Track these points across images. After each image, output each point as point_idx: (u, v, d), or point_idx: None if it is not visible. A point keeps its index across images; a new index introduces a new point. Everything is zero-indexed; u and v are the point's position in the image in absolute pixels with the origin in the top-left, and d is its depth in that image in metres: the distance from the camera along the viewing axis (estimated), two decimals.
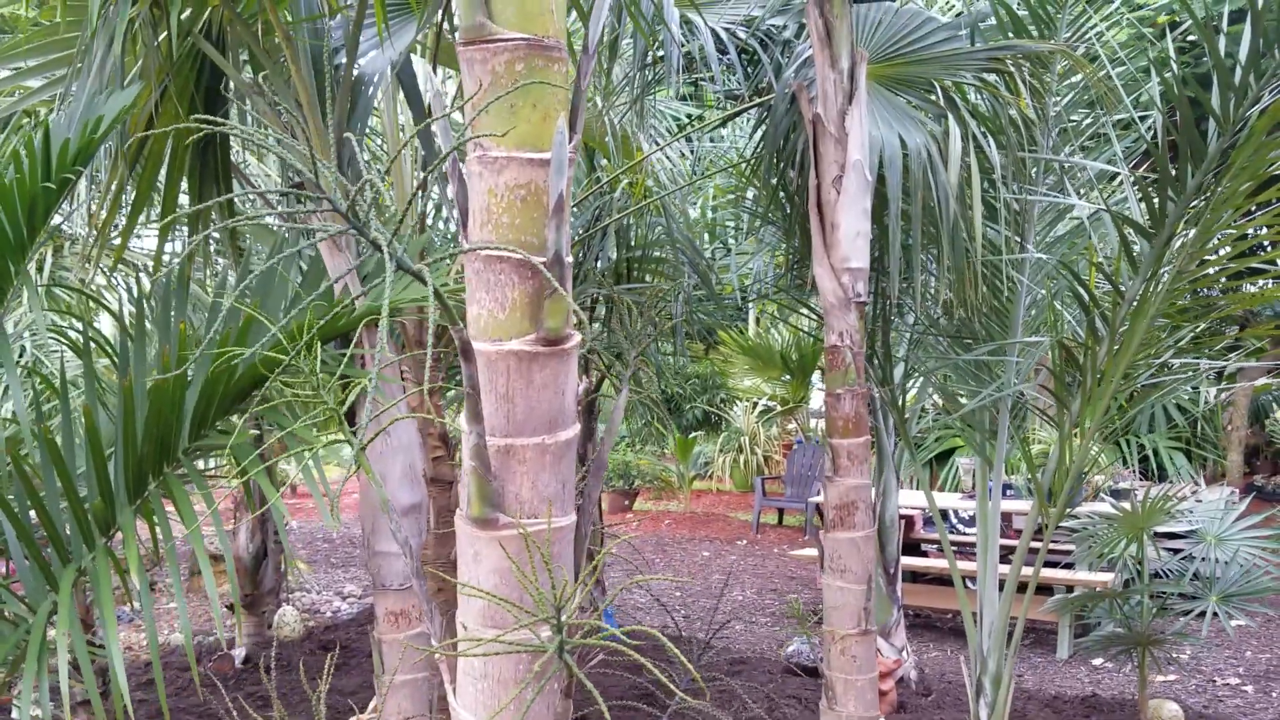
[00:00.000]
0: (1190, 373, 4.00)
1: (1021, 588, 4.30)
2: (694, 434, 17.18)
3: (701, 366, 16.59)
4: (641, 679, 4.97)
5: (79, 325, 2.65)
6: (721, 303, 7.17)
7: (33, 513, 2.39)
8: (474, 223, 1.39)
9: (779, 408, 16.63)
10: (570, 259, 1.40)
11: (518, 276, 1.38)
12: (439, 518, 3.52)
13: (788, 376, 16.43)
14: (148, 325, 2.69)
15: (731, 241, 6.84)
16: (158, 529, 2.53)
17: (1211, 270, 3.46)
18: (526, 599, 1.38)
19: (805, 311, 5.15)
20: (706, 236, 6.81)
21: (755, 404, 16.54)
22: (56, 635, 2.25)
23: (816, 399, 17.87)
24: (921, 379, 4.98)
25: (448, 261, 2.65)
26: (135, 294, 2.67)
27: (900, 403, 4.20)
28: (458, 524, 1.44)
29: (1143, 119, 3.68)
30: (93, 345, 2.55)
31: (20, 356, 3.08)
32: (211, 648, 7.22)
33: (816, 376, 16.62)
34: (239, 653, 6.90)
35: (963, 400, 4.25)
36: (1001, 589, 4.39)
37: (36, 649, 2.27)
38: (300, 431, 2.56)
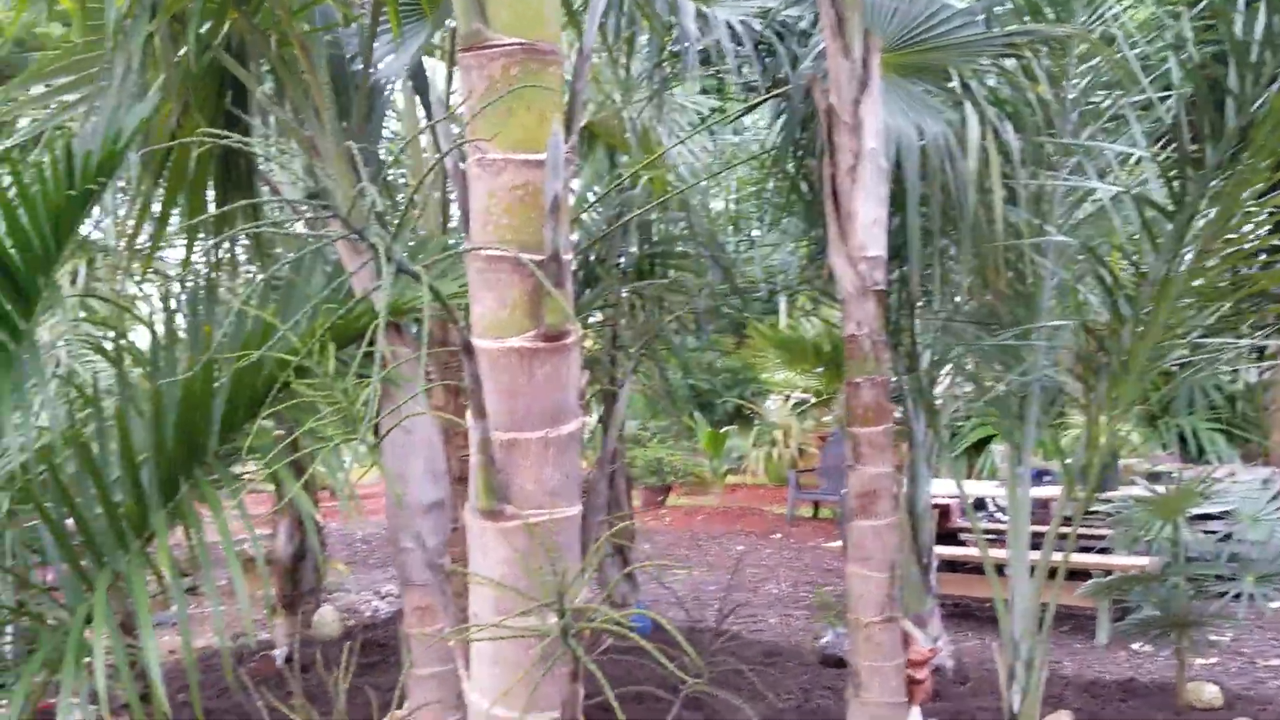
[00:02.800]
0: (1219, 353, 3.96)
1: (1054, 573, 4.29)
2: (726, 428, 17.16)
3: (732, 360, 16.55)
4: (665, 666, 5.01)
5: (111, 334, 2.72)
6: (749, 296, 7.17)
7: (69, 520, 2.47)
8: (475, 224, 1.43)
9: (812, 400, 16.58)
10: (569, 257, 1.44)
11: (517, 275, 1.42)
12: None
13: (820, 368, 16.35)
14: (178, 332, 2.76)
15: (756, 233, 6.85)
16: (191, 532, 2.60)
17: (1231, 249, 3.43)
18: (535, 587, 1.42)
19: (835, 304, 5.15)
20: (730, 230, 6.82)
21: (788, 397, 16.49)
22: (94, 636, 2.32)
23: None
24: (950, 366, 4.96)
25: (464, 266, 2.70)
26: (165, 302, 2.74)
27: (928, 390, 4.20)
28: (466, 516, 1.48)
29: (1162, 99, 3.64)
30: (125, 353, 2.62)
31: (55, 366, 3.16)
32: (254, 649, 7.34)
33: None
34: (279, 653, 7.01)
35: (989, 386, 4.24)
36: (1032, 575, 4.38)
37: (74, 651, 2.34)
38: (321, 429, 2.62)
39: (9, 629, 2.89)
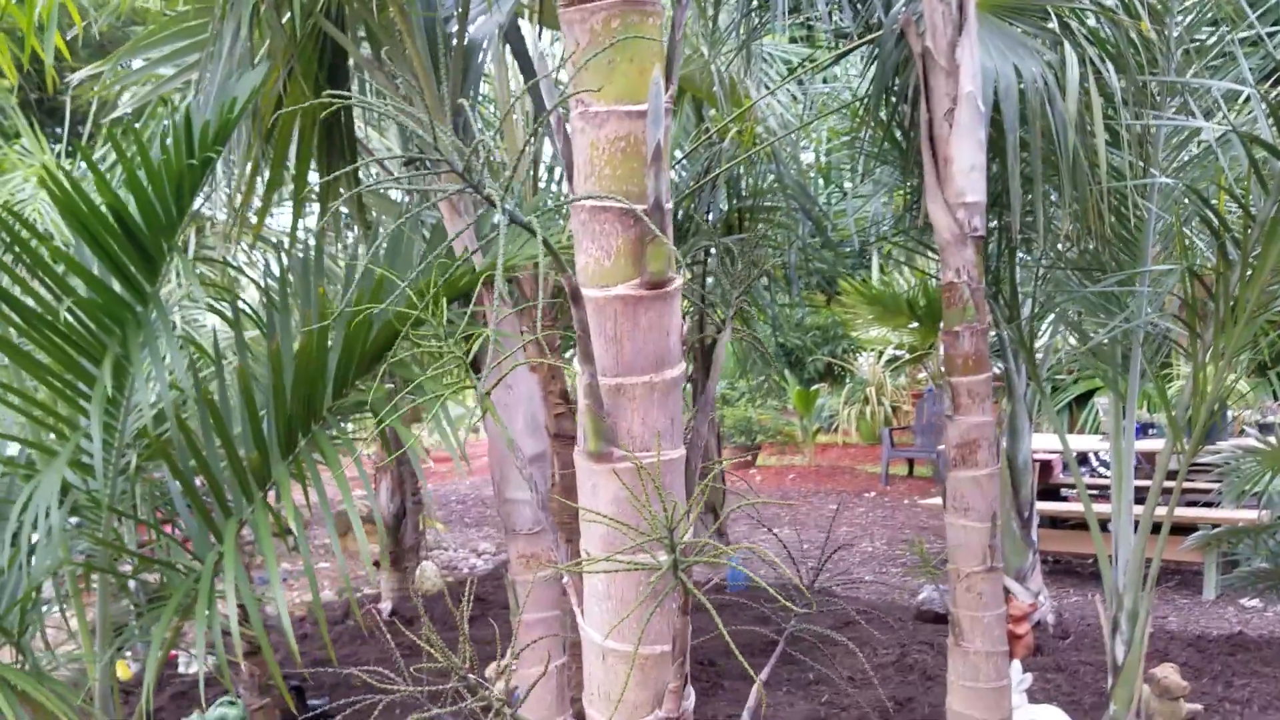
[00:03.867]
0: None
1: (1158, 528, 4.21)
2: (816, 386, 17.02)
3: (822, 317, 16.37)
4: (763, 610, 5.06)
5: (226, 298, 2.85)
6: (840, 250, 7.07)
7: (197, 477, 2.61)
8: (579, 176, 1.47)
9: (906, 356, 16.33)
10: (670, 205, 1.47)
11: (621, 225, 1.45)
12: (564, 469, 3.66)
13: (915, 324, 16.09)
14: (289, 295, 2.87)
15: (848, 185, 6.75)
16: (310, 482, 2.72)
17: None
18: (643, 526, 1.47)
19: (930, 254, 5.07)
20: (821, 182, 6.74)
21: (881, 353, 16.27)
22: (225, 579, 2.45)
23: None
24: (1052, 316, 4.86)
25: (560, 222, 2.75)
26: (276, 267, 2.86)
27: (1029, 340, 4.12)
28: (576, 459, 1.54)
29: (1270, 35, 3.49)
30: (242, 315, 2.75)
31: (176, 329, 3.33)
32: (361, 603, 7.63)
33: None
34: (385, 606, 7.28)
35: (1092, 335, 4.15)
36: (1137, 528, 4.30)
37: (207, 595, 2.48)
38: (428, 383, 2.71)
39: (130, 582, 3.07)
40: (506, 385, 2.69)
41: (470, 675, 1.60)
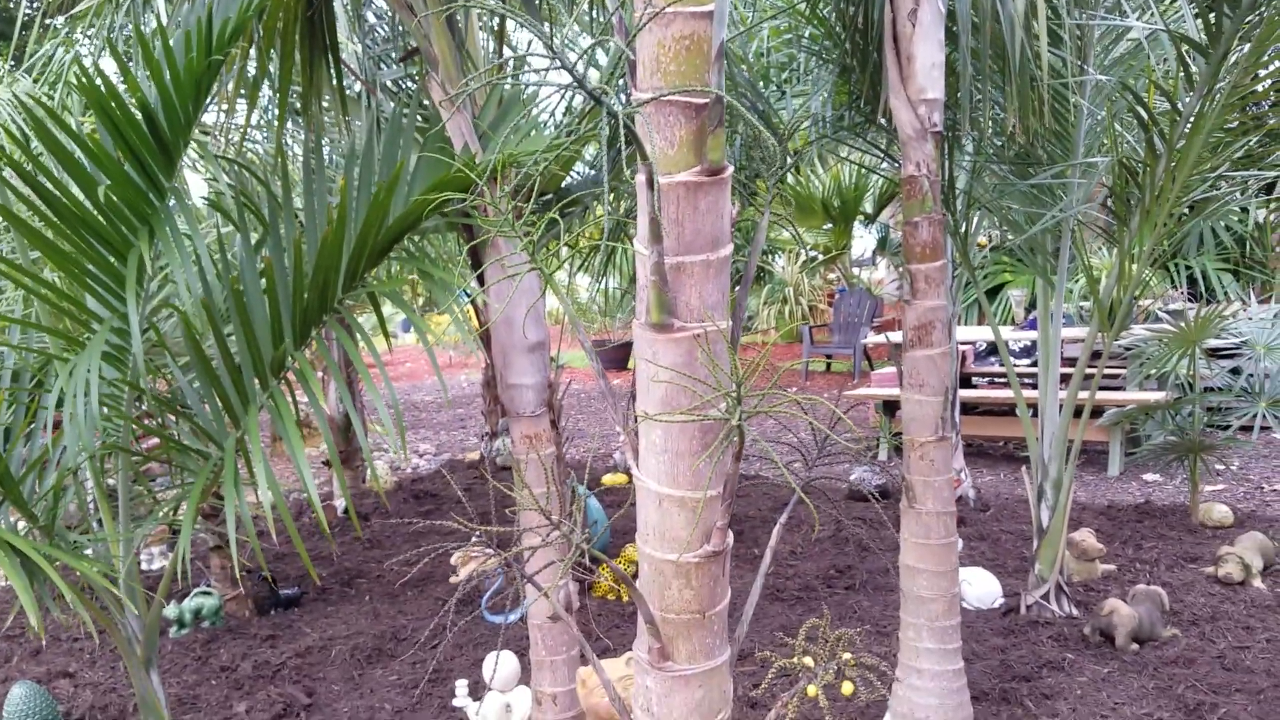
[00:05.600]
0: (1234, 192, 4.16)
1: (1078, 412, 4.60)
2: (736, 288, 17.36)
3: (742, 218, 16.61)
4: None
5: (238, 194, 2.91)
6: (785, 147, 7.23)
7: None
8: (644, 72, 1.62)
9: (821, 256, 16.74)
10: (727, 99, 1.64)
11: (684, 117, 1.62)
12: None
13: (829, 225, 16.49)
14: (294, 189, 2.95)
15: (786, 85, 6.89)
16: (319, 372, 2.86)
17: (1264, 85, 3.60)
18: (697, 391, 1.68)
19: (875, 151, 5.27)
20: (760, 84, 6.86)
21: (798, 254, 16.65)
22: (251, 459, 2.59)
23: (858, 246, 17.92)
24: (980, 211, 5.15)
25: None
26: (281, 161, 2.93)
27: (964, 232, 4.41)
28: (636, 331, 1.72)
29: None
30: (254, 208, 2.83)
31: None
32: (309, 502, 7.77)
33: (858, 224, 16.66)
34: (339, 503, 7.44)
35: (1025, 227, 4.45)
36: (1061, 409, 4.69)
37: (232, 474, 2.63)
38: (437, 272, 2.85)
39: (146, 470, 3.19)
40: (511, 278, 2.85)
41: (487, 530, 1.80)
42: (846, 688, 4.17)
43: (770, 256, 17.19)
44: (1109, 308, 4.31)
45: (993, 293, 12.08)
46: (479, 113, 2.94)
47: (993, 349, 10.10)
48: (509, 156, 2.72)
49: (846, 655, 1.68)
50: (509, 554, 1.78)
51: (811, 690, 3.64)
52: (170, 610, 4.93)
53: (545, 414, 3.04)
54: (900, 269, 7.65)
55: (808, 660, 1.81)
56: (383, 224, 2.64)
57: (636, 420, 1.76)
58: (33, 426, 2.83)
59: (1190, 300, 9.93)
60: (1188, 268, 10.60)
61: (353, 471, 7.66)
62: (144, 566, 5.97)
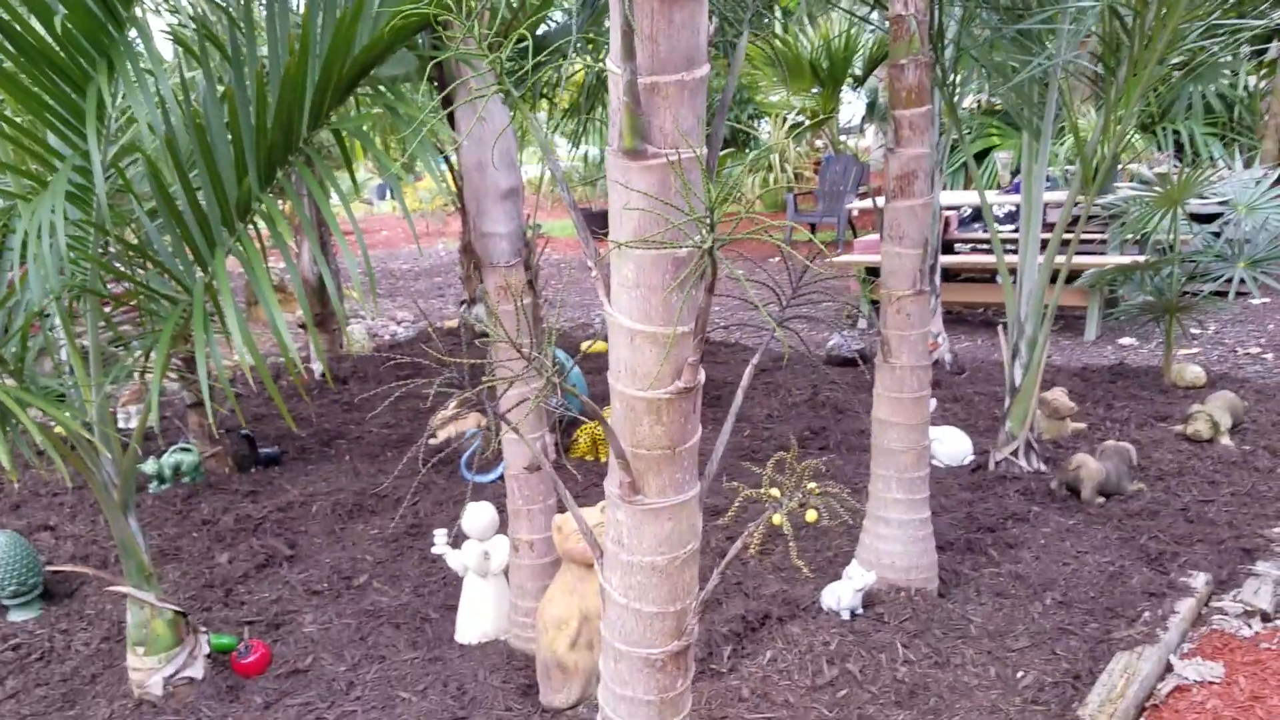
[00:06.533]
0: (1233, 46, 4.05)
1: (1055, 277, 4.57)
2: (721, 153, 17.06)
3: (724, 81, 16.20)
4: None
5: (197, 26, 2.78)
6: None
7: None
8: None
9: (808, 121, 16.42)
10: None
11: None
12: None
13: (817, 88, 16.12)
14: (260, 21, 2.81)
15: None
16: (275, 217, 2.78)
17: None
18: (672, 220, 1.63)
19: (844, 7, 5.10)
20: None
21: (784, 119, 16.33)
22: (221, 305, 2.55)
23: (846, 112, 17.59)
24: (970, 67, 5.02)
25: None
26: None
27: (951, 83, 4.30)
28: (609, 158, 1.67)
29: None
30: (213, 42, 2.71)
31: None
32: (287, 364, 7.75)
33: (847, 88, 16.29)
34: (315, 367, 7.43)
35: (1012, 71, 4.33)
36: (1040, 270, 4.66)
37: (201, 317, 2.59)
38: (409, 109, 2.76)
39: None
40: (482, 117, 2.76)
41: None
42: (810, 515, 4.26)
43: (755, 121, 16.88)
44: (1094, 166, 4.25)
45: (980, 157, 11.94)
46: None
47: (977, 215, 10.04)
48: None
49: (812, 485, 1.68)
50: (488, 402, 1.76)
51: (776, 519, 3.70)
52: (149, 466, 4.95)
53: (519, 265, 3.00)
54: (841, 147, 7.48)
55: (774, 491, 1.82)
56: (349, 54, 2.53)
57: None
58: None
59: (1177, 163, 9.85)
60: (1175, 132, 10.48)
61: (329, 335, 7.63)
62: (121, 424, 5.98)
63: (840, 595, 3.46)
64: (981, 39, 4.21)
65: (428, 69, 2.96)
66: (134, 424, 6.08)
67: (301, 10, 2.66)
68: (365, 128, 2.91)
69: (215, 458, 5.23)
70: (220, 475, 5.18)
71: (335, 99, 2.64)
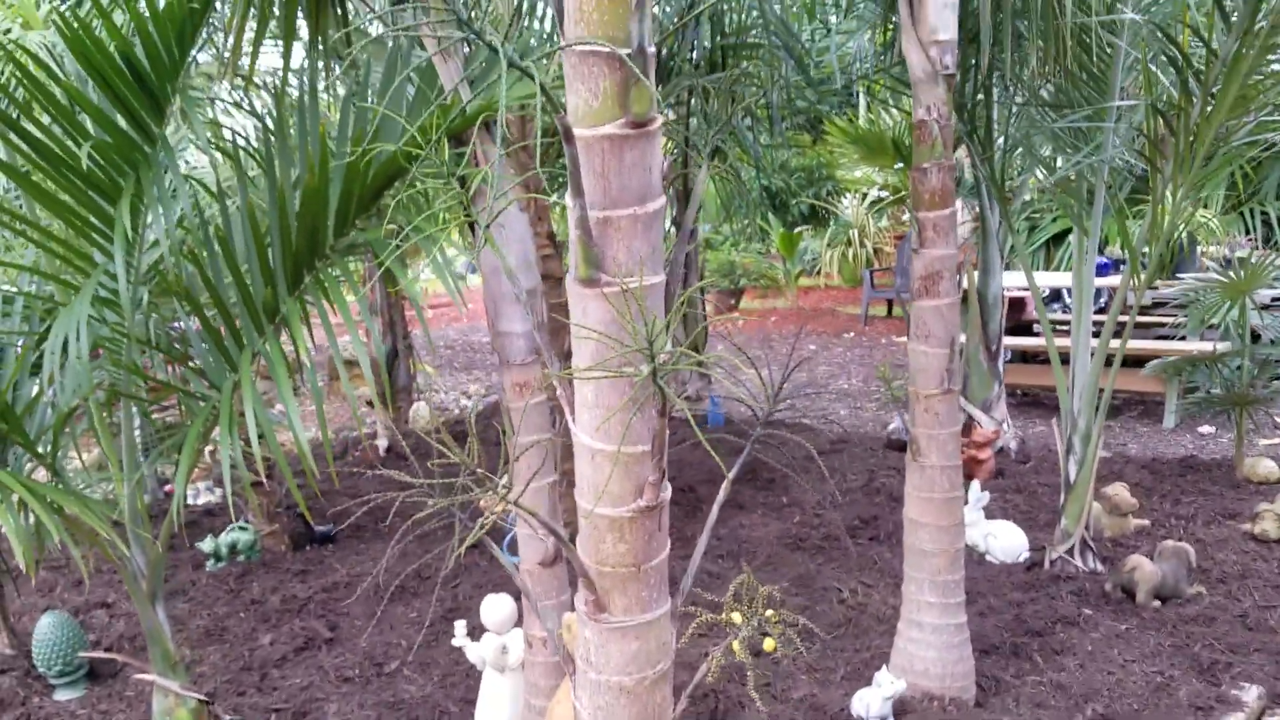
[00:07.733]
0: None
1: (1110, 361, 4.45)
2: (800, 229, 17.09)
3: (807, 159, 16.27)
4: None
5: (224, 141, 2.95)
6: (825, 89, 7.07)
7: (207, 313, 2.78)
8: (569, 21, 1.59)
9: (889, 197, 16.36)
10: (653, 49, 1.60)
11: (607, 68, 1.58)
12: (550, 311, 3.85)
13: (899, 164, 16.09)
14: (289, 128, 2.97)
15: (833, 20, 6.71)
16: (318, 316, 2.90)
17: None
18: (624, 346, 1.66)
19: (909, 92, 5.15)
20: (805, 18, 6.70)
21: (865, 195, 16.31)
22: (246, 401, 2.65)
23: None
24: (1021, 150, 4.98)
25: (545, 63, 2.85)
26: (276, 105, 2.95)
27: (1001, 177, 4.27)
28: (569, 285, 1.71)
29: None
30: (243, 153, 2.87)
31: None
32: (355, 441, 7.95)
33: None
34: (381, 443, 7.60)
35: (1058, 169, 4.30)
36: (1093, 357, 4.55)
37: (227, 417, 2.70)
38: (424, 223, 2.86)
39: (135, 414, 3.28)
40: (499, 224, 2.84)
41: (479, 470, 1.82)
42: (768, 644, 4.15)
43: (836, 198, 16.89)
44: (1158, 255, 4.16)
45: (1059, 239, 11.73)
46: (472, 63, 2.93)
47: (1057, 295, 9.84)
48: (491, 102, 2.70)
49: (769, 612, 1.68)
50: (498, 505, 1.81)
51: (735, 646, 3.63)
52: (207, 544, 5.11)
53: (535, 362, 3.05)
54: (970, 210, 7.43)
55: (735, 616, 1.81)
56: (368, 173, 2.65)
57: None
58: (39, 373, 2.94)
59: (1265, 246, 9.53)
60: (1263, 212, 10.14)
61: (395, 412, 7.81)
62: (190, 501, 6.20)
63: (870, 703, 3.38)
64: (1024, 133, 4.19)
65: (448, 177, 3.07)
66: (203, 500, 6.30)
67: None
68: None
69: (272, 535, 5.38)
70: (276, 553, 5.32)
71: (359, 209, 2.76)
